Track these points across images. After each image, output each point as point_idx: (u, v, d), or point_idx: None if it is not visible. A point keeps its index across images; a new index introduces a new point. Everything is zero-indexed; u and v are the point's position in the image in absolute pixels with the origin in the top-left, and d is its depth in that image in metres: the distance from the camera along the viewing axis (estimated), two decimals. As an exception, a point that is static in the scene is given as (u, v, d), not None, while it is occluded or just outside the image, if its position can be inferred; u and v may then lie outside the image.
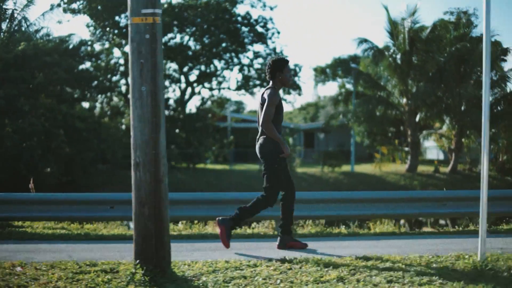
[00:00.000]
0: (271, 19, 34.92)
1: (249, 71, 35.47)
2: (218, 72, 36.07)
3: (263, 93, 6.55)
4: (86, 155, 28.51)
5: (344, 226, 9.34)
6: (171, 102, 36.17)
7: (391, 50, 31.85)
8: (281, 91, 9.30)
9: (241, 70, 35.65)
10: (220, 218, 6.53)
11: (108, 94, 34.79)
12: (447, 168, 33.59)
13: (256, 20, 34.33)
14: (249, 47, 35.49)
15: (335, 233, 8.52)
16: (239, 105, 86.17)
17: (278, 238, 6.75)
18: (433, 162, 35.94)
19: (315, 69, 32.85)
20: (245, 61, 35.66)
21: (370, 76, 32.98)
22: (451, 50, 31.05)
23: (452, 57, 31.22)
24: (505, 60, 44.30)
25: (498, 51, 33.85)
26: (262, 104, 6.48)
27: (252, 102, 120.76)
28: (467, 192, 9.51)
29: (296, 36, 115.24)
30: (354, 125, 35.01)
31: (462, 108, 31.73)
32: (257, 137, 6.59)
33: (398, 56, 31.54)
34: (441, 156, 39.51)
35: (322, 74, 46.74)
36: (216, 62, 35.53)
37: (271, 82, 6.58)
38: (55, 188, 22.79)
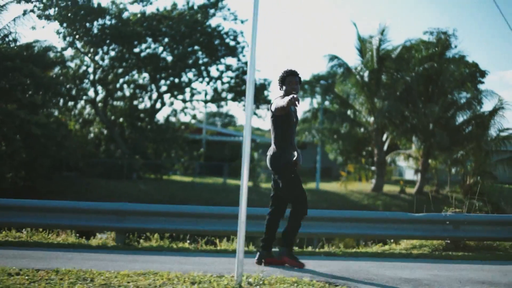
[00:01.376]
0: (241, 32, 34.73)
1: (218, 83, 35.35)
2: (189, 84, 35.84)
3: (271, 105, 6.60)
4: (44, 162, 28.21)
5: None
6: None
7: (359, 68, 31.65)
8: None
9: (209, 83, 35.49)
10: (278, 255, 6.55)
11: (77, 102, 34.56)
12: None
13: (226, 33, 34.23)
14: (222, 60, 35.35)
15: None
16: (231, 118, 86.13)
17: (258, 253, 6.66)
18: (411, 183, 35.63)
19: (326, 86, 32.81)
20: (215, 73, 35.50)
21: (338, 94, 32.81)
22: (419, 70, 30.91)
23: (420, 77, 31.09)
24: (482, 82, 44.47)
25: (469, 71, 33.69)
26: (271, 117, 6.54)
27: (242, 115, 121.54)
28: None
29: (276, 52, 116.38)
30: (327, 142, 34.83)
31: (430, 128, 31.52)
32: (269, 148, 6.61)
33: (366, 74, 31.35)
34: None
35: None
36: (187, 73, 35.29)
37: (282, 93, 6.62)
38: (12, 194, 22.49)
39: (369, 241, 9.76)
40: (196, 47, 34.34)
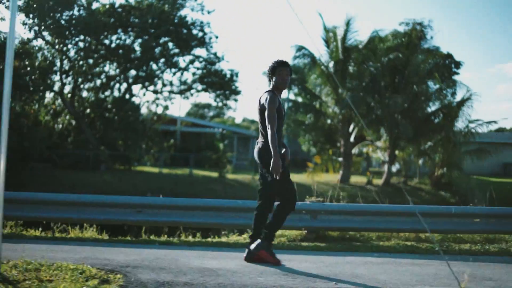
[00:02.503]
0: (208, 23, 34.46)
1: (186, 73, 35.17)
2: (159, 75, 35.63)
3: (261, 97, 6.26)
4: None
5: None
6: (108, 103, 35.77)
7: (324, 59, 31.42)
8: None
9: (175, 73, 35.24)
10: (253, 246, 6.24)
11: (43, 93, 34.30)
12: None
13: (193, 24, 33.94)
14: (192, 51, 35.08)
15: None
16: (220, 111, 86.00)
17: (246, 250, 6.39)
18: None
19: (292, 78, 32.49)
20: (183, 64, 35.25)
21: (305, 85, 32.56)
22: (384, 61, 30.67)
23: (386, 68, 30.84)
24: (457, 73, 44.22)
25: (439, 61, 33.33)
26: (260, 110, 6.23)
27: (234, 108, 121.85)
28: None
29: (246, 43, 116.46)
30: (300, 133, 34.65)
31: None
32: (257, 140, 6.36)
33: (331, 65, 31.10)
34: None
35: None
36: (154, 64, 35.07)
37: (270, 86, 6.33)
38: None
39: (226, 230, 9.51)
40: (166, 38, 34.04)
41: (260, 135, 6.30)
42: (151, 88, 36.85)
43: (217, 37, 34.52)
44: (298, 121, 31.98)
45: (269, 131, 6.00)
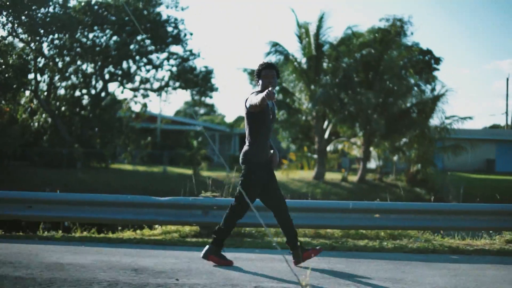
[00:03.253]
0: (182, 20, 34.25)
1: (160, 71, 34.98)
2: (135, 72, 35.45)
3: (246, 100, 6.08)
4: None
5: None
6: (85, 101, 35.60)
7: (297, 55, 31.22)
8: None
9: (148, 71, 35.07)
10: (203, 252, 6.13)
11: (17, 91, 34.12)
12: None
13: (166, 21, 33.76)
14: (168, 48, 34.91)
15: None
16: (211, 108, 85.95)
17: (292, 254, 6.25)
18: (373, 171, 35.17)
19: (249, 73, 32.07)
20: (157, 62, 35.05)
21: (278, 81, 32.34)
22: (356, 57, 30.48)
23: (358, 63, 30.66)
24: (437, 69, 44.05)
25: (415, 57, 33.13)
26: (246, 113, 6.09)
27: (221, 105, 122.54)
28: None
29: (227, 39, 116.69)
30: (279, 131, 34.46)
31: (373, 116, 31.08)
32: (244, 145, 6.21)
33: (304, 61, 30.90)
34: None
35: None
36: (131, 62, 34.90)
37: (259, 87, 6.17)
38: None
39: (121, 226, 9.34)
40: (142, 36, 33.85)
41: (246, 139, 6.16)
42: (129, 85, 36.69)
43: (191, 34, 34.32)
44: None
45: (254, 101, 5.80)
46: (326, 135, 32.41)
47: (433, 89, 34.86)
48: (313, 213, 8.25)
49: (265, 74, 6.07)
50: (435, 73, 42.10)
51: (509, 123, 57.34)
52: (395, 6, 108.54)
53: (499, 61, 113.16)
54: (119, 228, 9.05)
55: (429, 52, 41.64)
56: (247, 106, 5.96)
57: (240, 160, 6.11)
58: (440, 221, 8.36)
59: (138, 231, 8.78)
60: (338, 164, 37.54)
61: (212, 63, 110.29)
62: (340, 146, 33.46)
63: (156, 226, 8.88)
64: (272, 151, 6.23)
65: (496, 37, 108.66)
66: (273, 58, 30.97)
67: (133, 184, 30.12)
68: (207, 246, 6.14)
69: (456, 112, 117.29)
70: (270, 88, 5.54)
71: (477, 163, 45.20)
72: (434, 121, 32.45)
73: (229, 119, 63.86)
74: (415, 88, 31.67)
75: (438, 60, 42.52)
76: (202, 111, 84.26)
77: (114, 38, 34.17)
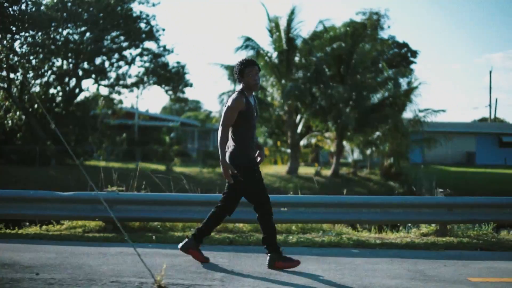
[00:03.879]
0: (154, 16, 34.06)
1: (130, 67, 34.74)
2: (108, 69, 35.21)
3: (228, 99, 5.98)
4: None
5: None
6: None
7: (267, 49, 31.07)
8: None
9: (120, 67, 34.79)
10: (181, 244, 6.13)
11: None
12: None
13: (139, 17, 33.52)
14: (141, 45, 34.67)
15: None
16: (196, 104, 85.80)
17: (186, 239, 6.19)
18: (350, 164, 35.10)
19: (227, 68, 31.87)
20: (130, 58, 34.77)
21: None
22: (327, 51, 30.38)
23: (329, 57, 30.55)
24: (414, 62, 44.00)
25: (388, 50, 33.08)
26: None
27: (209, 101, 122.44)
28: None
29: (199, 34, 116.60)
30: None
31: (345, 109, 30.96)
32: (227, 144, 5.99)
33: (275, 55, 30.77)
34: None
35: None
36: (104, 58, 34.64)
37: (241, 86, 6.01)
38: None
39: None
40: (115, 32, 33.66)
41: (230, 139, 5.99)
42: (104, 82, 36.44)
43: (163, 30, 34.14)
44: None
45: (219, 133, 5.88)
46: (299, 130, 32.30)
47: (409, 82, 34.81)
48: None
49: (249, 72, 5.93)
50: (415, 66, 41.96)
51: (492, 116, 57.46)
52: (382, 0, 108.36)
53: (490, 54, 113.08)
54: (27, 223, 8.90)
55: (405, 45, 41.56)
56: (220, 129, 5.87)
57: (229, 161, 5.91)
58: (352, 214, 8.27)
59: (44, 227, 8.64)
60: (312, 158, 37.46)
61: (186, 59, 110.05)
62: (313, 140, 33.31)
63: (64, 221, 8.74)
64: (258, 150, 6.18)
65: (486, 30, 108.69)
66: (244, 53, 30.82)
67: (104, 181, 29.98)
68: (268, 256, 6.01)
69: (447, 106, 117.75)
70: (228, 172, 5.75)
71: (457, 156, 45.27)
72: (408, 114, 32.47)
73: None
74: (389, 82, 31.55)
75: (415, 53, 42.45)
76: (187, 107, 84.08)
77: (87, 34, 33.88)
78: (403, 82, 33.96)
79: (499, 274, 6.10)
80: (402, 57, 40.90)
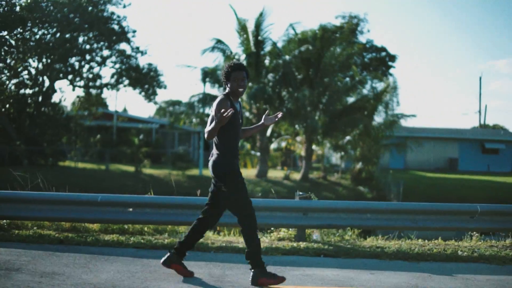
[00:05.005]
0: (125, 17, 33.96)
1: (101, 68, 34.65)
2: (81, 70, 35.11)
3: (213, 103, 5.71)
4: None
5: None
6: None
7: (235, 52, 30.91)
8: None
9: (90, 68, 34.68)
10: (163, 259, 5.81)
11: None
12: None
13: (110, 18, 33.42)
14: (115, 46, 34.56)
15: None
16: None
17: (168, 254, 5.87)
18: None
19: (206, 71, 31.66)
20: (101, 60, 34.65)
21: (217, 78, 32.01)
22: (295, 53, 30.20)
23: (298, 60, 30.36)
24: (393, 66, 43.71)
25: (361, 52, 32.76)
26: (213, 116, 5.66)
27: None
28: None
29: (171, 36, 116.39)
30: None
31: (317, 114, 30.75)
32: (212, 152, 5.78)
33: (243, 57, 30.59)
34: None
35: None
36: (75, 60, 34.57)
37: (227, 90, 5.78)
38: None
39: None
40: (86, 33, 33.59)
41: (214, 146, 5.76)
42: (79, 83, 36.36)
43: (134, 31, 33.99)
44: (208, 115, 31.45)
45: (207, 129, 5.59)
46: (268, 133, 32.09)
47: (387, 86, 34.58)
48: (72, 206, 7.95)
49: (235, 77, 5.67)
50: (394, 70, 41.68)
51: (482, 121, 57.03)
52: (373, 3, 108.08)
53: (494, 61, 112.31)
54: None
55: (383, 49, 41.24)
56: (205, 134, 5.61)
57: (212, 171, 5.71)
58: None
59: None
60: (282, 162, 37.25)
61: (161, 61, 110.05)
62: (284, 144, 33.11)
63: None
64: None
65: (490, 36, 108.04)
66: (211, 55, 30.73)
67: (73, 182, 29.87)
68: (251, 272, 5.70)
69: (448, 111, 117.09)
70: (222, 111, 5.32)
71: (440, 162, 44.90)
72: (380, 119, 32.24)
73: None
74: (359, 86, 31.32)
75: (393, 58, 42.14)
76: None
77: (59, 35, 33.81)
78: (380, 86, 33.80)
79: (307, 282, 5.91)
80: (379, 61, 40.62)
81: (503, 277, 6.58)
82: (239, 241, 7.98)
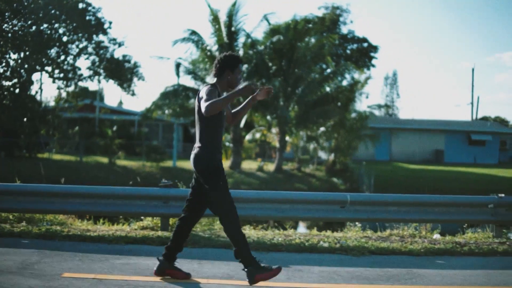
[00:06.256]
0: (99, 8, 33.82)
1: (76, 60, 34.47)
2: (58, 62, 35.00)
3: (199, 93, 5.37)
4: None
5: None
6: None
7: (207, 42, 30.66)
8: None
9: (64, 60, 34.53)
10: (156, 267, 5.52)
11: None
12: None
13: (86, 9, 33.25)
14: (91, 37, 34.41)
15: None
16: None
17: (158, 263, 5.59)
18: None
19: (178, 63, 31.56)
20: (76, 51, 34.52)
21: (189, 69, 31.81)
22: (268, 44, 29.98)
23: (271, 51, 30.14)
24: (375, 57, 43.36)
25: (328, 43, 32.21)
26: (198, 107, 5.35)
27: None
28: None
29: (146, 27, 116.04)
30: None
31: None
32: (194, 145, 5.50)
33: (215, 48, 30.38)
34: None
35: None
36: (52, 52, 34.46)
37: (215, 80, 5.45)
38: None
39: None
40: (62, 24, 33.50)
41: (197, 139, 5.46)
42: (59, 75, 36.25)
43: (110, 23, 33.82)
44: (184, 107, 31.30)
45: (210, 102, 5.09)
46: (242, 124, 31.90)
47: (368, 78, 34.36)
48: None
49: (240, 70, 5.48)
50: (376, 61, 41.36)
51: (474, 114, 56.61)
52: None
53: (501, 53, 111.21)
54: None
55: (365, 40, 40.85)
56: (207, 107, 5.08)
57: (193, 165, 5.43)
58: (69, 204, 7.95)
59: None
60: (256, 154, 37.07)
61: (137, 53, 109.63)
62: (258, 135, 32.92)
63: None
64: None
65: (497, 28, 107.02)
66: (183, 46, 30.54)
67: (44, 173, 29.83)
68: (246, 272, 5.36)
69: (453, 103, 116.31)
70: (248, 82, 5.15)
71: (425, 154, 44.59)
72: (357, 109, 32.00)
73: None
74: (335, 77, 31.03)
75: (375, 48, 41.75)
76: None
77: (35, 27, 33.73)
78: (362, 78, 33.54)
79: (129, 271, 5.82)
80: (361, 52, 40.29)
81: (345, 268, 6.46)
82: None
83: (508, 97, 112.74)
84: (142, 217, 8.33)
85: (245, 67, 30.55)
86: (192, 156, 5.43)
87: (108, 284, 5.24)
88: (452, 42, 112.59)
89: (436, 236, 8.50)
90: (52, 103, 36.99)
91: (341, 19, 40.75)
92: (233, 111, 5.74)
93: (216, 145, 5.41)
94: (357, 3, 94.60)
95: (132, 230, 8.03)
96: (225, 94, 5.38)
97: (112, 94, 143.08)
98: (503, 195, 8.51)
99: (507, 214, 8.51)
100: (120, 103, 70.40)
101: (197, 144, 5.41)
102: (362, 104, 32.05)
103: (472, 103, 55.80)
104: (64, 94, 37.36)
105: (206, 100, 5.13)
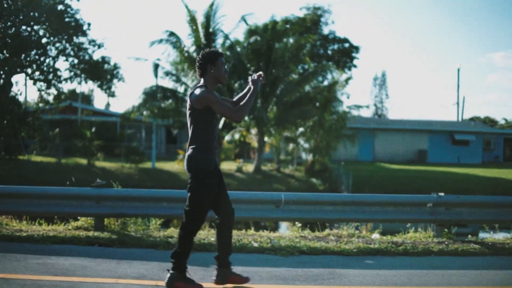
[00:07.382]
0: (78, 10, 33.65)
1: (55, 62, 34.33)
2: (37, 63, 34.85)
3: (191, 94, 5.28)
4: None
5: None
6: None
7: (184, 43, 30.64)
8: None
9: (44, 62, 34.37)
10: (166, 281, 5.25)
11: None
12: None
13: (64, 11, 33.14)
14: (70, 39, 34.29)
15: None
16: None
17: (216, 273, 5.50)
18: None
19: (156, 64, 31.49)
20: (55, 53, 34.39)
21: (168, 71, 31.76)
22: (243, 45, 30.01)
23: (249, 52, 30.16)
24: (356, 58, 43.44)
25: (305, 43, 32.19)
26: (190, 110, 5.25)
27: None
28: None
29: (125, 28, 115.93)
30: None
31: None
32: (187, 147, 5.38)
33: (193, 49, 30.35)
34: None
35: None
36: (31, 54, 34.31)
37: (202, 80, 5.35)
38: None
39: None
40: (40, 26, 33.39)
41: (189, 140, 5.32)
42: (39, 77, 36.11)
43: (89, 24, 33.71)
44: (163, 108, 31.27)
45: (237, 113, 5.21)
46: (221, 125, 31.87)
47: (349, 78, 34.39)
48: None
49: (222, 62, 5.38)
50: (357, 61, 41.38)
51: (460, 114, 56.74)
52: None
53: (493, 53, 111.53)
54: None
55: (346, 40, 40.89)
56: (236, 114, 5.21)
57: (186, 167, 5.29)
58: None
59: None
60: (235, 154, 37.05)
61: (116, 55, 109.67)
62: (237, 136, 32.88)
63: None
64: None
65: (489, 29, 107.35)
66: (160, 47, 30.55)
67: (25, 175, 29.80)
68: (169, 274, 5.27)
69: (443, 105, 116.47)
70: (259, 73, 5.28)
71: (409, 154, 44.67)
72: (337, 110, 32.00)
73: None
74: (313, 77, 31.04)
75: (356, 49, 41.79)
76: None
77: (14, 29, 33.61)
78: (342, 78, 33.56)
79: (43, 271, 5.77)
80: (342, 52, 40.32)
81: (267, 268, 6.42)
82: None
83: (498, 97, 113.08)
84: (78, 217, 8.30)
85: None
86: (185, 158, 5.32)
87: (12, 283, 5.21)
88: (444, 43, 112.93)
89: (375, 235, 8.48)
90: (33, 105, 36.91)
91: (323, 19, 41.10)
92: (236, 100, 5.70)
93: (210, 146, 5.29)
94: (348, 3, 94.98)
95: (65, 230, 8.00)
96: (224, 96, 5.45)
97: (101, 96, 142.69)
98: (442, 194, 8.51)
99: (446, 213, 8.49)
100: (108, 105, 70.40)
101: (190, 146, 5.30)
102: (343, 105, 31.58)
103: (458, 103, 56.03)
104: (45, 96, 37.20)
105: (223, 105, 5.18)
